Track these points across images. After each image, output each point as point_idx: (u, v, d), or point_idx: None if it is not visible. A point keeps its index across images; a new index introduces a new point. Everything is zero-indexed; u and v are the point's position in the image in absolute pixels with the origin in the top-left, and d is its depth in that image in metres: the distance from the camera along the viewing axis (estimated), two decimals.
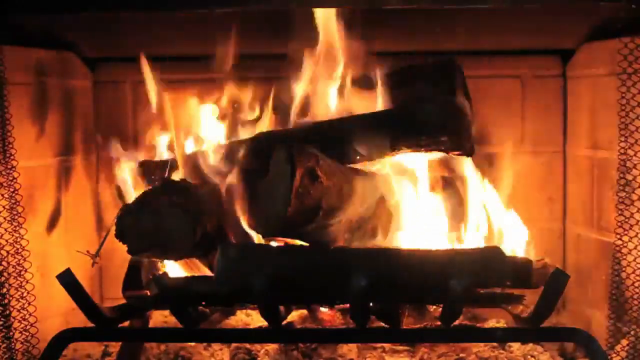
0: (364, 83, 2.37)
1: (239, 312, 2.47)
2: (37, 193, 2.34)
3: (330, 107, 2.36)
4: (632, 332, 2.09)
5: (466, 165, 2.38)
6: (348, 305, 2.05)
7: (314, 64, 2.32)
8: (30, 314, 2.15)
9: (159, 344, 2.30)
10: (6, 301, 2.10)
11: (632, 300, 2.09)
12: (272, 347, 2.23)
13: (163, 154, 2.41)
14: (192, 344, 2.31)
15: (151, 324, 2.37)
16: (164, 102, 2.37)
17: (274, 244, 2.17)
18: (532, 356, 2.24)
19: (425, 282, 1.97)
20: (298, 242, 2.16)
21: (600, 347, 1.95)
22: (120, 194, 2.32)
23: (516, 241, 2.32)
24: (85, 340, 2.31)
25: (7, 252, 2.11)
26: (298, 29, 2.29)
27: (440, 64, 2.37)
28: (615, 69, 2.09)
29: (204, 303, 2.10)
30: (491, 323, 2.44)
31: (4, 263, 2.10)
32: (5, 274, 2.11)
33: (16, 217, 2.14)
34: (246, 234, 2.12)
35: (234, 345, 2.28)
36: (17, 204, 2.14)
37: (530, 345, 2.26)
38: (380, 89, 2.34)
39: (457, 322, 2.06)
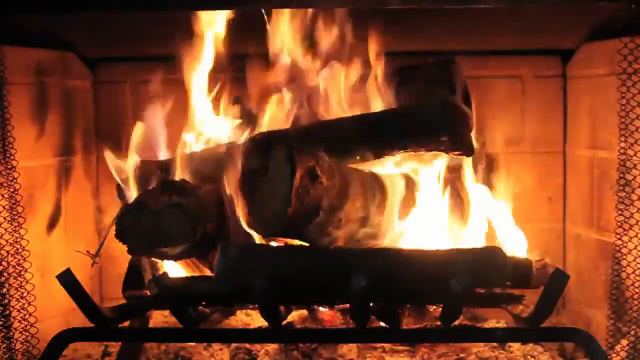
0: (363, 83, 2.38)
1: (239, 312, 2.47)
2: (37, 193, 2.34)
3: (329, 107, 2.36)
4: (632, 332, 2.09)
5: (466, 165, 2.38)
6: (348, 305, 2.05)
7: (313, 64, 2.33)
8: (30, 314, 2.15)
9: (159, 344, 2.30)
10: (6, 301, 2.10)
11: (632, 300, 2.09)
12: (272, 347, 2.23)
13: (163, 154, 2.41)
14: (192, 344, 2.31)
15: (151, 324, 2.37)
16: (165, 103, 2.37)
17: (274, 244, 2.17)
18: (532, 356, 2.24)
19: (425, 282, 1.97)
20: (298, 242, 2.16)
21: (600, 347, 1.95)
22: (120, 194, 2.32)
23: (516, 241, 2.32)
24: (85, 340, 2.31)
25: (7, 252, 2.11)
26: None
27: (440, 63, 2.37)
28: (615, 69, 2.09)
29: (204, 303, 2.10)
30: (491, 323, 2.44)
31: (4, 263, 2.10)
32: (5, 274, 2.11)
33: (16, 217, 2.14)
34: (246, 234, 2.11)
35: (234, 345, 2.28)
36: (17, 204, 2.15)
37: (530, 345, 2.26)
38: (380, 89, 2.34)
39: (457, 322, 2.06)
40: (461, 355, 2.24)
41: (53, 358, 1.99)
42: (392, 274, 1.97)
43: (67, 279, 1.96)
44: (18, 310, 2.14)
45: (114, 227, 2.08)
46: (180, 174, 2.22)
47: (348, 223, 2.16)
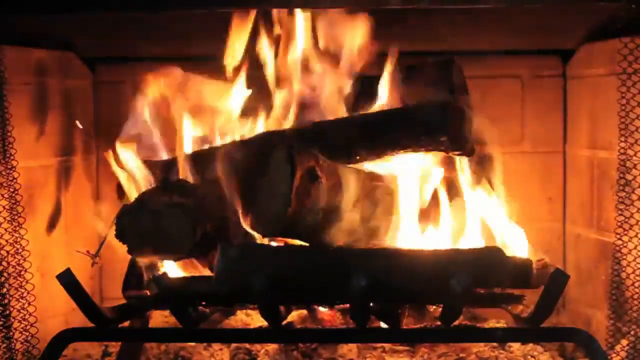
0: (363, 83, 2.38)
1: (239, 312, 2.47)
2: (37, 193, 2.34)
3: (329, 108, 2.36)
4: (632, 332, 2.09)
5: (466, 165, 2.38)
6: (348, 305, 2.05)
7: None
8: (30, 314, 2.15)
9: (159, 344, 2.30)
10: (6, 301, 2.10)
11: (632, 300, 2.09)
12: (272, 347, 2.23)
13: (163, 154, 2.41)
14: (192, 344, 2.31)
15: (151, 324, 2.37)
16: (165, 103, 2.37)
17: (274, 244, 2.17)
18: (532, 356, 2.24)
19: (425, 282, 1.97)
20: (298, 242, 2.16)
21: (600, 347, 1.95)
22: (120, 194, 2.32)
23: (516, 241, 2.32)
24: (85, 340, 2.31)
25: (7, 252, 2.11)
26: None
27: (439, 63, 2.37)
28: (615, 69, 2.09)
29: (204, 303, 2.10)
30: (491, 323, 2.44)
31: (4, 263, 2.10)
32: (5, 274, 2.11)
33: (16, 217, 2.14)
34: (246, 234, 2.11)
35: (234, 345, 2.28)
36: (17, 204, 2.14)
37: (530, 345, 2.26)
38: (380, 89, 2.34)
39: (457, 322, 2.06)
40: (461, 355, 2.24)
41: (53, 358, 1.99)
42: (392, 274, 1.97)
43: (67, 279, 1.96)
44: (18, 310, 2.14)
45: (114, 227, 2.08)
46: (180, 173, 2.22)
47: (348, 223, 2.16)
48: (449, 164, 2.39)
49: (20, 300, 2.14)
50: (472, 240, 2.34)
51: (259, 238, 2.13)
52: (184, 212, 2.05)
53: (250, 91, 2.41)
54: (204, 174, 2.23)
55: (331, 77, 2.34)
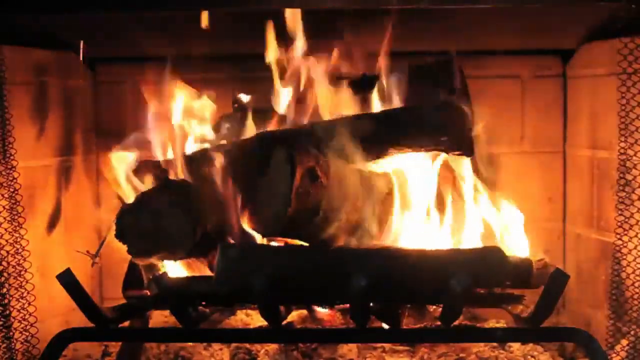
0: (363, 84, 2.38)
1: (239, 312, 2.47)
2: (37, 193, 2.34)
3: (329, 108, 2.36)
4: (632, 332, 2.09)
5: (466, 165, 2.38)
6: (348, 305, 2.05)
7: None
8: (30, 314, 2.15)
9: (159, 344, 2.30)
10: (6, 301, 2.10)
11: (632, 300, 2.09)
12: (272, 347, 2.23)
13: (163, 154, 2.40)
14: (192, 344, 2.31)
15: (151, 324, 2.37)
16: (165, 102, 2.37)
17: (274, 244, 2.17)
18: (532, 356, 2.24)
19: (425, 282, 1.97)
20: (298, 242, 2.16)
21: (600, 347, 1.95)
22: (120, 194, 2.31)
23: (515, 241, 2.32)
24: (85, 340, 2.31)
25: (7, 252, 2.11)
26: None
27: (440, 63, 2.37)
28: (615, 69, 2.09)
29: (204, 303, 2.10)
30: (491, 323, 2.44)
31: (4, 263, 2.10)
32: (5, 274, 2.11)
33: (16, 217, 2.15)
34: (246, 234, 2.12)
35: (234, 345, 2.28)
36: (17, 204, 2.15)
37: (530, 345, 2.26)
38: (380, 90, 2.34)
39: (457, 322, 2.06)
40: (461, 355, 2.24)
41: (53, 358, 1.99)
42: (392, 274, 1.97)
43: (67, 279, 1.96)
44: (18, 310, 2.14)
45: (114, 227, 2.08)
46: (180, 173, 2.22)
47: (348, 223, 2.16)
48: (449, 164, 2.39)
49: (20, 300, 2.14)
50: (472, 240, 2.34)
51: (259, 238, 2.13)
52: (184, 212, 2.05)
53: (248, 95, 2.42)
54: (204, 174, 2.23)
55: (331, 77, 2.34)
